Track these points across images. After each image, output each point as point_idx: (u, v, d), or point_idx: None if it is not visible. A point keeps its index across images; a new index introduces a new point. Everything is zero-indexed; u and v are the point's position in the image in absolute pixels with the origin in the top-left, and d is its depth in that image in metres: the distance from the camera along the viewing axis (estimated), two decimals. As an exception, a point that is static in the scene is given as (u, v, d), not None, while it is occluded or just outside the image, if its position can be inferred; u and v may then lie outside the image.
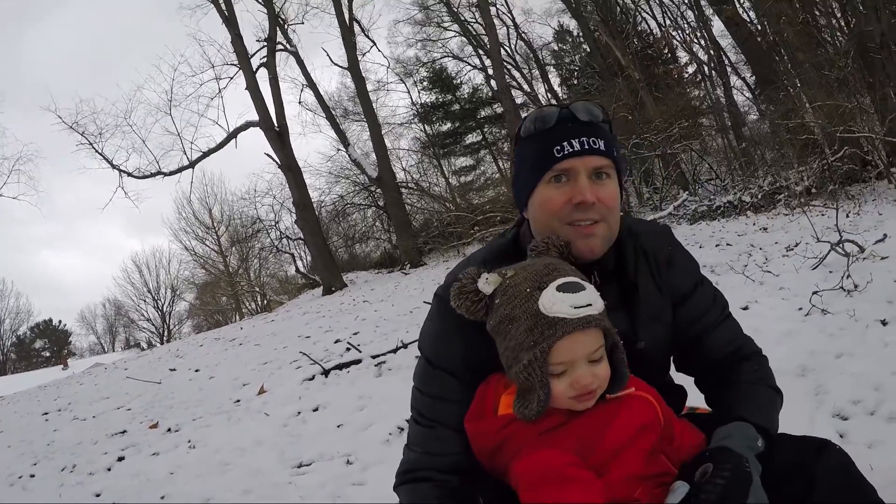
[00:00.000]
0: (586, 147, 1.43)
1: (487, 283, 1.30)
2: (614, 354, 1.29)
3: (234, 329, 15.11)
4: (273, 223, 33.21)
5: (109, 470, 5.33)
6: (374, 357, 6.65)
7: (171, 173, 22.15)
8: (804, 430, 2.71)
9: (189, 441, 5.53)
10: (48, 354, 59.00)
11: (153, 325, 56.18)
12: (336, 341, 8.40)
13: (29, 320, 57.66)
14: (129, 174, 21.88)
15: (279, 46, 22.62)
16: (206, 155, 22.33)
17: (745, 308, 5.47)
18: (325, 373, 6.58)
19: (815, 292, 5.03)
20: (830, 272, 5.89)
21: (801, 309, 5.03)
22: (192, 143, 22.74)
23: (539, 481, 1.19)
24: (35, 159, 40.27)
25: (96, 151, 21.67)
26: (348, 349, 7.50)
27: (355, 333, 8.59)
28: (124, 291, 58.52)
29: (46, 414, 8.43)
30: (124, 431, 6.44)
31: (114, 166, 21.81)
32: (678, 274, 1.59)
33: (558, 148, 1.44)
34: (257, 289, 43.06)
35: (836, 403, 3.16)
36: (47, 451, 6.30)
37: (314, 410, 5.59)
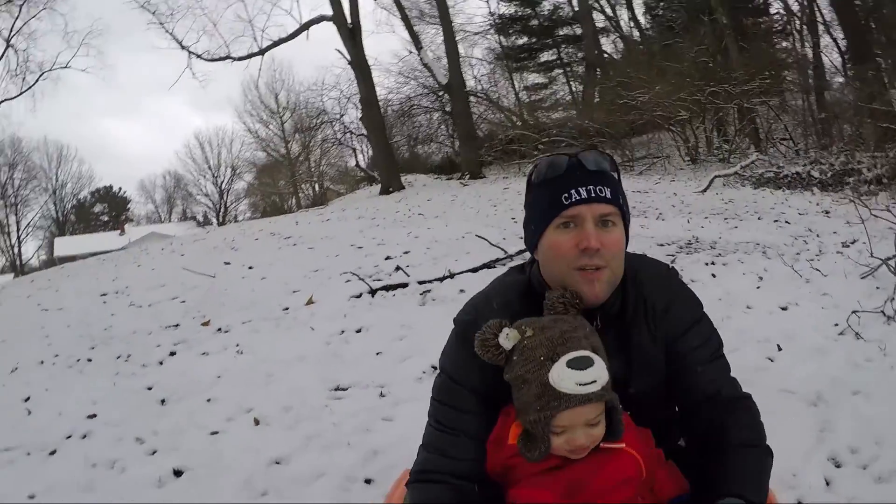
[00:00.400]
0: (593, 195, 1.55)
1: (507, 338, 1.47)
2: (612, 413, 1.47)
3: (289, 224, 15.60)
4: (338, 116, 33.64)
5: (161, 364, 5.82)
6: (420, 283, 6.95)
7: (240, 59, 22.74)
8: (797, 465, 2.91)
9: (237, 345, 5.95)
10: (106, 219, 61.94)
11: (210, 200, 58.39)
12: (387, 258, 8.70)
13: (90, 185, 60.69)
14: (199, 56, 22.54)
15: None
16: (276, 44, 22.69)
17: (785, 308, 5.51)
18: (372, 292, 6.92)
19: (854, 311, 4.93)
20: (878, 288, 5.79)
21: (836, 325, 4.98)
22: (262, 30, 23.22)
23: None
24: (104, 34, 41.24)
25: (166, 31, 22.29)
26: (397, 269, 7.82)
27: (406, 252, 8.87)
28: (185, 166, 61.19)
29: (105, 295, 9.08)
30: (177, 325, 6.95)
31: (183, 47, 22.50)
32: (673, 320, 1.67)
33: (566, 195, 1.56)
34: (315, 178, 44.06)
35: (834, 447, 3.19)
36: (104, 336, 6.87)
37: (357, 332, 5.94)
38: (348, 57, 21.53)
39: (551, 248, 1.60)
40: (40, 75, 30.86)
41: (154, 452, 4.04)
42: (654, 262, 1.81)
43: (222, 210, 58.06)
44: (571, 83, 29.15)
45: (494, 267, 7.18)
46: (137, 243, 29.92)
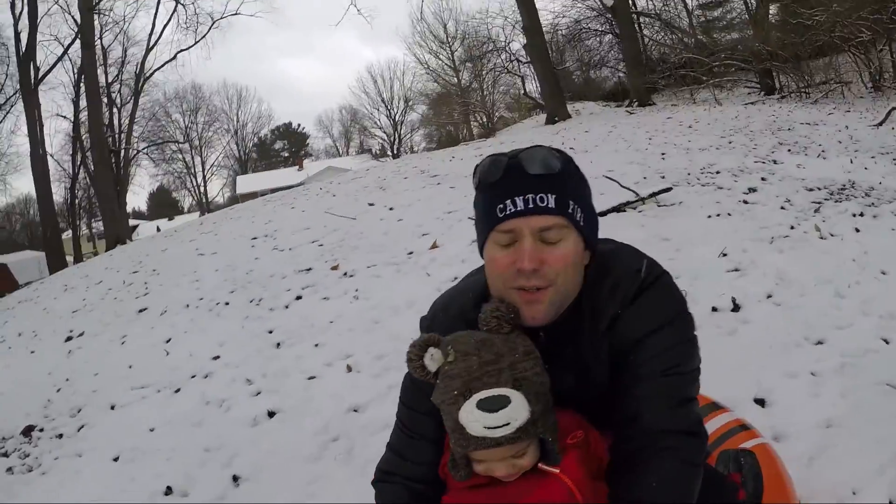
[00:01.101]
0: (531, 206, 1.41)
1: (432, 360, 1.45)
2: (544, 443, 1.43)
3: (444, 159, 16.08)
4: (505, 44, 33.82)
5: (287, 308, 6.46)
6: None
7: None
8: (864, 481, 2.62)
9: (356, 290, 6.45)
10: (286, 155, 66.65)
11: (384, 132, 60.85)
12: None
13: (270, 123, 65.47)
14: None
15: None
16: None
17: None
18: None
19: None
20: None
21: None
22: None
23: None
24: None
25: None
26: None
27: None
28: (359, 100, 64.06)
29: (255, 239, 10.02)
30: (310, 269, 7.59)
31: None
32: (625, 330, 1.51)
33: (501, 207, 1.43)
34: (488, 107, 44.64)
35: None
36: (244, 279, 7.68)
37: (468, 278, 6.25)
38: (510, -19, 21.44)
39: (489, 263, 1.51)
40: (212, 24, 33.61)
41: (258, 394, 4.64)
42: (625, 264, 1.58)
43: (396, 142, 60.36)
44: (748, 1, 27.16)
45: (624, 210, 7.13)
46: (315, 178, 31.90)
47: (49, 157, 30.86)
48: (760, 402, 3.29)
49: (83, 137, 33.22)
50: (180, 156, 56.89)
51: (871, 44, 17.33)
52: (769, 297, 4.54)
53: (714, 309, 4.43)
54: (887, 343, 3.75)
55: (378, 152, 60.48)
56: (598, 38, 29.66)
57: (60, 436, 4.83)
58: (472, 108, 46.25)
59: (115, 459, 4.19)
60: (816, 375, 3.45)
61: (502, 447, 1.37)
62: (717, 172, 8.59)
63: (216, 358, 5.50)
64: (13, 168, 38.70)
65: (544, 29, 24.40)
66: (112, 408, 5.08)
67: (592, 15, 28.10)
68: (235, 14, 34.22)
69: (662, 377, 1.45)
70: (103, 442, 4.49)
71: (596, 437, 1.54)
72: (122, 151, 34.62)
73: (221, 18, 34.18)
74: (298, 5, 69.28)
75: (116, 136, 34.87)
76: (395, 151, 57.91)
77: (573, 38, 29.60)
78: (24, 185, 76.55)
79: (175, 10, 33.90)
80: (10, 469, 4.48)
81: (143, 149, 42.13)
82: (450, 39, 46.99)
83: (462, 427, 1.37)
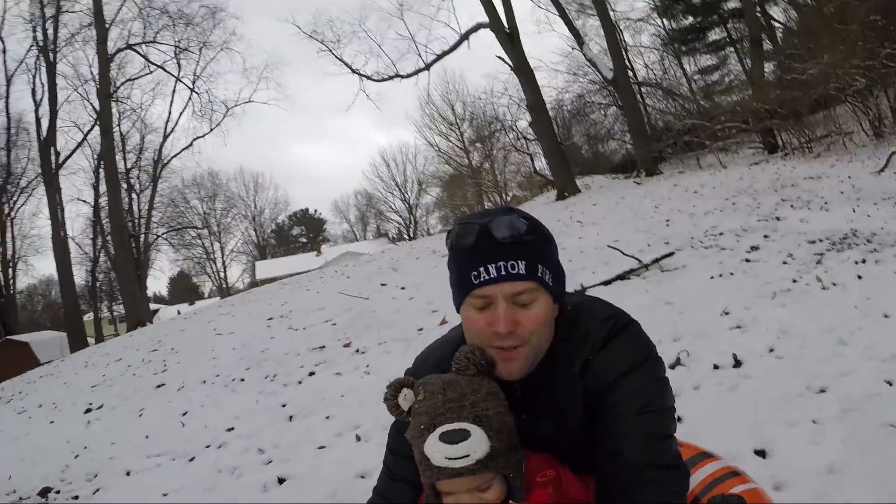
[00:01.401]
0: (503, 273, 1.50)
1: (405, 399, 1.57)
2: (508, 480, 1.52)
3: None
4: (511, 123, 34.87)
5: (300, 383, 6.70)
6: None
7: (408, 76, 24.52)
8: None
9: (367, 365, 6.68)
10: (304, 241, 67.54)
11: (400, 216, 61.91)
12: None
13: (287, 209, 67.00)
14: (369, 77, 24.71)
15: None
16: (439, 57, 24.14)
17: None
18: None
19: None
20: None
21: None
22: (425, 46, 25.03)
23: None
24: (280, 67, 45.99)
25: (336, 57, 24.97)
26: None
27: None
28: (373, 184, 65.39)
29: (270, 319, 10.33)
30: (323, 347, 7.86)
31: (353, 70, 24.80)
32: (597, 373, 1.59)
33: (475, 273, 1.51)
34: (500, 186, 45.49)
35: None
36: (260, 357, 7.95)
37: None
38: (510, 63, 22.19)
39: (467, 322, 1.60)
40: (226, 112, 35.16)
41: (269, 462, 4.82)
42: (594, 314, 1.68)
43: (412, 225, 61.25)
44: (744, 61, 27.85)
45: (628, 278, 7.37)
46: (333, 262, 32.35)
47: (70, 240, 31.81)
48: (761, 452, 3.32)
49: (103, 222, 34.24)
50: (199, 241, 57.73)
51: (868, 91, 17.51)
52: (771, 350, 4.63)
53: (715, 366, 4.54)
54: (890, 385, 3.78)
55: (395, 236, 61.33)
56: (602, 111, 30.49)
57: (76, 497, 5.04)
58: (485, 188, 47.11)
59: (129, 523, 4.38)
60: (818, 423, 3.49)
61: (463, 478, 1.46)
62: (721, 234, 8.83)
63: (230, 429, 5.71)
64: (35, 250, 39.60)
65: (549, 105, 25.14)
66: (128, 473, 5.28)
67: (595, 88, 28.92)
68: (248, 102, 35.53)
69: (639, 415, 1.52)
70: (117, 504, 4.69)
71: (570, 478, 1.61)
72: (142, 236, 35.55)
73: (235, 106, 35.48)
74: (310, 92, 71.59)
75: (136, 221, 35.90)
76: (412, 234, 58.70)
77: (578, 113, 30.49)
78: (45, 266, 78.00)
79: (190, 99, 36.02)
80: (26, 527, 4.69)
81: (163, 234, 43.09)
82: (458, 121, 48.31)
83: (427, 458, 1.47)
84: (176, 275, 65.75)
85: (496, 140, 41.01)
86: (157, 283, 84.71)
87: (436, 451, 1.46)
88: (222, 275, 61.09)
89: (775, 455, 3.30)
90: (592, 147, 34.11)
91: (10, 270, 37.39)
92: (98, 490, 5.11)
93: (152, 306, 45.15)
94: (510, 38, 21.57)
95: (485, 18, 22.12)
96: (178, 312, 35.77)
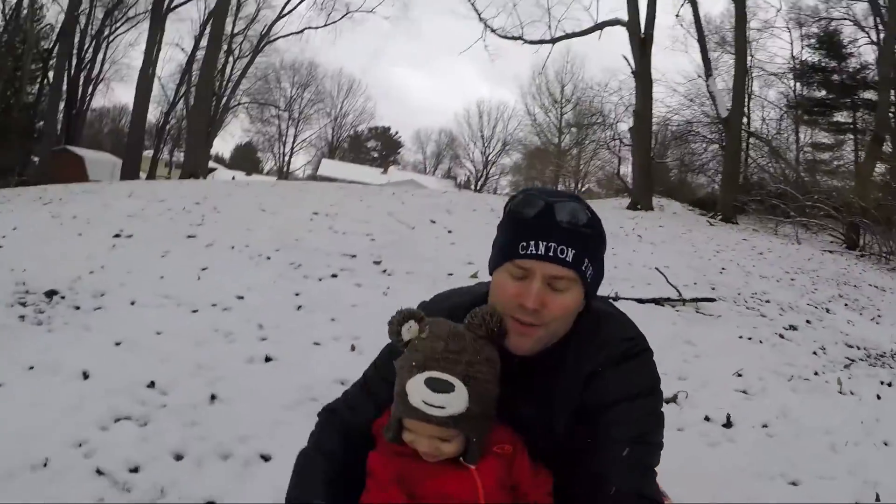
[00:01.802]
0: (550, 254, 1.52)
1: (408, 331, 1.58)
2: (468, 443, 1.55)
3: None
4: (612, 122, 34.53)
5: (320, 280, 6.84)
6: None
7: (532, 42, 24.62)
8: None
9: (388, 287, 6.74)
10: (376, 155, 67.82)
11: (474, 166, 61.87)
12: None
13: (370, 121, 66.97)
14: (493, 30, 24.68)
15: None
16: (567, 37, 24.24)
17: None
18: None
19: None
20: None
21: None
22: (558, 20, 24.59)
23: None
24: None
25: (469, 1, 24.52)
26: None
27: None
28: (460, 128, 65.25)
29: (316, 214, 10.41)
30: (354, 256, 7.91)
31: (481, 19, 24.68)
32: (598, 389, 1.61)
33: (524, 244, 1.53)
34: (581, 175, 45.17)
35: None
36: (292, 244, 8.07)
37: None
38: (633, 66, 21.98)
39: (497, 286, 1.61)
40: (346, 13, 34.91)
41: (264, 339, 4.98)
42: (618, 328, 1.71)
43: (483, 179, 61.18)
44: (859, 153, 26.92)
45: (662, 305, 7.27)
46: (396, 185, 32.53)
47: (157, 79, 32.40)
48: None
49: (193, 73, 34.72)
50: (276, 122, 58.58)
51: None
52: (764, 426, 4.57)
53: (707, 418, 4.52)
54: (878, 506, 3.74)
55: (462, 183, 61.33)
56: (703, 145, 30.04)
57: (78, 307, 5.24)
58: (564, 171, 46.81)
59: (117, 344, 4.54)
60: (778, 511, 3.43)
61: (430, 425, 1.50)
62: (767, 301, 8.61)
63: (240, 297, 5.84)
64: (120, 77, 40.50)
65: (654, 119, 25.00)
66: (132, 303, 5.46)
67: (706, 121, 28.48)
68: (371, 11, 35.44)
69: (632, 443, 1.54)
70: (112, 326, 4.87)
71: (524, 461, 1.64)
72: (224, 98, 36.00)
73: (357, 11, 35.42)
74: (430, 23, 71.26)
75: (224, 82, 36.31)
76: (478, 187, 58.65)
77: (680, 137, 30.00)
78: (125, 95, 79.65)
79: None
80: (22, 317, 4.91)
81: (245, 102, 43.63)
82: (563, 100, 47.86)
83: (406, 394, 1.51)
84: (243, 143, 66.75)
85: (592, 132, 40.49)
86: (223, 145, 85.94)
87: (417, 391, 1.49)
88: (287, 158, 61.90)
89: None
90: (681, 174, 33.67)
91: (91, 87, 38.47)
92: (99, 308, 5.31)
93: (211, 164, 46.07)
94: (642, 44, 21.36)
95: (624, 16, 21.87)
96: (233, 178, 36.39)
